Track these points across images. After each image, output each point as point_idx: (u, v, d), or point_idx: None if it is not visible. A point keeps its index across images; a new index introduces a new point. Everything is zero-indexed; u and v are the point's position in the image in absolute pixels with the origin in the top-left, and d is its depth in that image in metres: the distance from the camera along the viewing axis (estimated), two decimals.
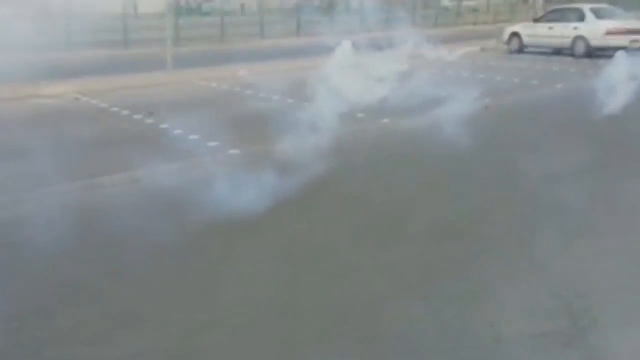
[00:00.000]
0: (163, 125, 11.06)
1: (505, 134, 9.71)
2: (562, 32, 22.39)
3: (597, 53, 21.22)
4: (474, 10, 47.05)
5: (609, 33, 21.09)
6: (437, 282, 5.06)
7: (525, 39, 23.93)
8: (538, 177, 7.81)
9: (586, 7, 22.68)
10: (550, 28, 22.87)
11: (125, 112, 12.38)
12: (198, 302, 4.73)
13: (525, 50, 23.91)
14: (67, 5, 25.84)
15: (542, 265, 5.31)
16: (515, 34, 24.35)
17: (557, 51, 22.70)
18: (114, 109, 12.74)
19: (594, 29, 21.63)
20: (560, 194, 7.18)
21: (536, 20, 24.56)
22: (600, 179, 7.84)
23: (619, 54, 14.46)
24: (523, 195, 7.21)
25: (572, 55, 21.90)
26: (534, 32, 23.62)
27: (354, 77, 15.53)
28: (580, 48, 21.95)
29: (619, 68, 14.57)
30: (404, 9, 45.44)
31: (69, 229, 6.04)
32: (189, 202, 6.75)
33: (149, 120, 11.51)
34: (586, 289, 4.87)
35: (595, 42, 21.59)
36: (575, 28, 22.07)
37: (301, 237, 5.99)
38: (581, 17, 22.17)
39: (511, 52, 24.09)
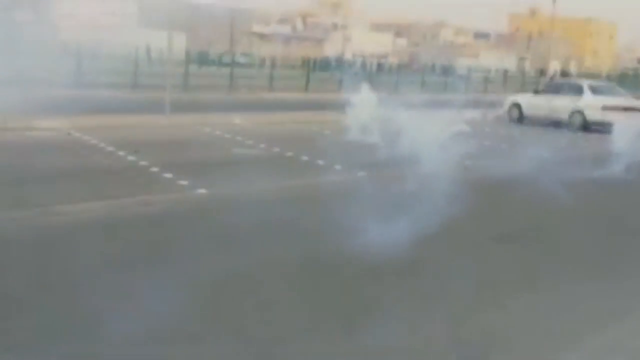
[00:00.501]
0: (143, 163, 11.41)
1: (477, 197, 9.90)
2: (560, 105, 22.74)
3: (594, 127, 21.59)
4: (488, 80, 47.78)
5: (606, 109, 21.41)
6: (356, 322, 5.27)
7: (525, 110, 24.30)
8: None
9: (585, 83, 23.15)
10: (549, 100, 23.24)
11: (111, 148, 12.76)
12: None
13: (525, 120, 24.25)
14: (86, 46, 26.68)
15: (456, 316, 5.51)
16: (516, 104, 24.74)
17: (556, 123, 23.00)
18: (102, 145, 13.13)
19: (591, 104, 21.99)
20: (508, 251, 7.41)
21: (536, 92, 24.98)
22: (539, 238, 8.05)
23: (614, 128, 15.01)
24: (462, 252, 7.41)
25: (569, 127, 22.19)
26: (533, 104, 24.00)
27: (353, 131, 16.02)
28: (577, 121, 22.27)
29: (607, 141, 14.92)
30: (418, 74, 46.25)
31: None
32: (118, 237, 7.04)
33: (131, 158, 11.87)
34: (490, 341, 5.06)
35: (592, 116, 21.93)
36: (573, 102, 22.43)
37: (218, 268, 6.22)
38: (579, 92, 22.58)
39: (511, 121, 24.43)
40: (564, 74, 69.14)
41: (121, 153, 12.29)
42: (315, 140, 15.21)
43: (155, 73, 27.05)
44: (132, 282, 5.54)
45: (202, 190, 9.57)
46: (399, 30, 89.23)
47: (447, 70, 54.70)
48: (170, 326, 4.82)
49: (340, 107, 17.34)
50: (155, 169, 10.91)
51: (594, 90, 22.52)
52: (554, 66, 70.61)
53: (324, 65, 56.57)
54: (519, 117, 24.32)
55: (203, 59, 50.89)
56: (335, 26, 68.14)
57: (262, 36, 60.97)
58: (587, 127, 21.91)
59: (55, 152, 12.29)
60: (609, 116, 20.58)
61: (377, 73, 49.18)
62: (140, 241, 6.99)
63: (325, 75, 40.43)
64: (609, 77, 58.89)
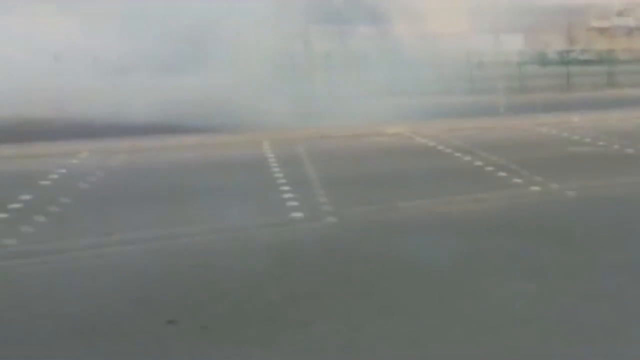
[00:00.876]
0: (477, 163, 11.92)
1: None
2: None
3: None
4: None
5: None
6: None
7: None
8: None
9: None
10: None
11: (448, 150, 13.47)
12: None
13: None
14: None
15: None
16: None
17: None
18: (440, 147, 13.91)
19: None
20: None
21: None
22: None
23: None
24: None
25: None
26: None
27: None
28: None
29: None
30: None
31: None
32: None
33: (467, 158, 12.44)
34: None
35: None
36: None
37: None
38: None
39: None
40: None
41: (457, 154, 12.93)
42: None
43: (491, 77, 27.42)
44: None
45: (536, 188, 9.77)
46: None
47: None
48: None
49: None
50: (490, 168, 11.34)
51: None
52: None
53: None
54: None
55: (543, 59, 49.86)
56: None
57: (601, 30, 58.23)
58: None
59: (397, 155, 13.36)
60: None
61: None
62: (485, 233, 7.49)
63: None
64: None
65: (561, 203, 9.00)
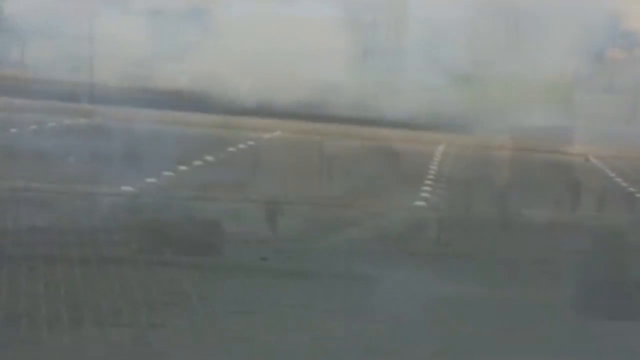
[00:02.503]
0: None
1: None
2: None
3: None
4: None
5: None
6: None
7: None
8: None
9: None
10: None
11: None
12: None
13: None
14: None
15: None
16: None
17: None
18: (607, 171, 14.01)
19: None
20: None
21: None
22: None
23: None
24: None
25: None
26: None
27: None
28: None
29: None
30: None
31: None
32: None
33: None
34: None
35: None
36: None
37: None
38: None
39: None
40: None
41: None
42: None
43: None
44: None
45: None
46: None
47: None
48: None
49: None
50: None
51: None
52: None
53: None
54: None
55: None
56: None
57: None
58: None
59: (558, 171, 13.79)
60: None
61: None
62: None
63: None
64: None
65: None
